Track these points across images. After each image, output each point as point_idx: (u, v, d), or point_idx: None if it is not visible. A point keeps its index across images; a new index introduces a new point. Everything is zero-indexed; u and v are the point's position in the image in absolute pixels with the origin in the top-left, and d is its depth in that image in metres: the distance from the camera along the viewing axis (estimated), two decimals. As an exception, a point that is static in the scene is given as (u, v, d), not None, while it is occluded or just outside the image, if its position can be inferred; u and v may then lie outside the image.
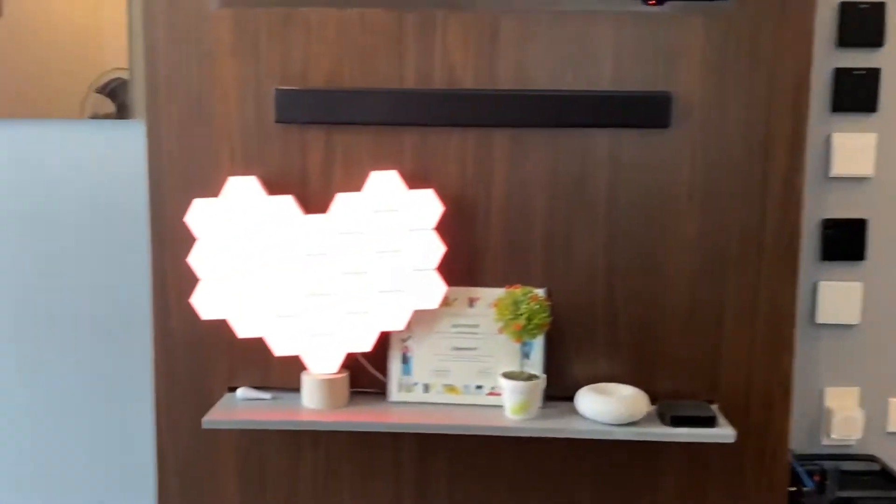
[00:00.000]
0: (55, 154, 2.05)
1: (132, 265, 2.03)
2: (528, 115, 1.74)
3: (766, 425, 1.78)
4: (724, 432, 1.65)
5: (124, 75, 2.01)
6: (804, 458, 1.93)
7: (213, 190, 1.75)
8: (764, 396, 1.78)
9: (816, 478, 1.87)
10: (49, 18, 2.00)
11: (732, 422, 1.69)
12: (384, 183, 1.72)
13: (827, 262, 1.98)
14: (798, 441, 2.00)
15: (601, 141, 1.74)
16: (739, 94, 1.71)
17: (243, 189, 1.72)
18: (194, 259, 1.73)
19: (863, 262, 1.97)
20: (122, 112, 2.02)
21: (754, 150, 1.73)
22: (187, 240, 1.74)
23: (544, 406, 1.72)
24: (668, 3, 1.71)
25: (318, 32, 1.73)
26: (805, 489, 1.85)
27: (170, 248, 1.78)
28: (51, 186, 2.05)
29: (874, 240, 1.97)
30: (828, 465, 1.89)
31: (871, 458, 2.01)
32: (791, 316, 1.76)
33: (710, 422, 1.66)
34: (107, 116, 2.02)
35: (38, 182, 2.05)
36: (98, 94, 2.02)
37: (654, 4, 1.71)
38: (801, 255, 1.78)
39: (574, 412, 1.70)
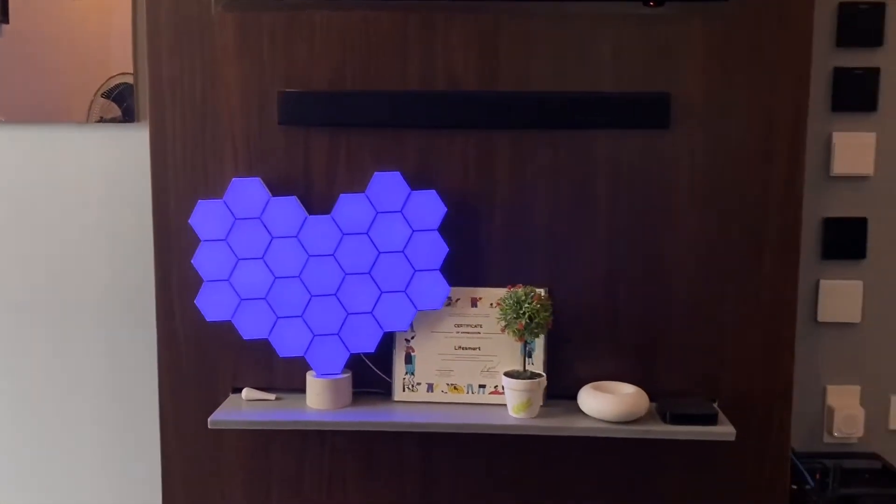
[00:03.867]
0: (61, 157, 2.06)
1: (137, 267, 2.05)
2: (530, 116, 1.75)
3: (768, 423, 1.79)
4: (724, 430, 1.66)
5: (130, 80, 2.03)
6: (806, 457, 1.94)
7: (217, 191, 1.76)
8: (765, 395, 1.79)
9: (818, 476, 1.88)
10: (55, 24, 2.02)
11: (734, 420, 1.70)
12: (387, 184, 1.73)
13: (828, 261, 1.99)
14: (800, 439, 2.00)
15: (602, 142, 1.75)
16: (739, 94, 1.72)
17: (247, 190, 1.74)
18: (198, 261, 1.74)
19: (863, 261, 1.99)
20: (128, 115, 2.03)
21: (755, 150, 1.74)
22: (191, 241, 1.76)
23: (547, 404, 1.73)
24: (668, 3, 1.72)
25: (321, 35, 1.74)
26: (807, 487, 1.86)
27: (174, 249, 1.80)
28: (57, 189, 2.07)
29: (874, 238, 1.98)
30: (829, 463, 1.90)
31: (872, 456, 2.01)
32: (792, 314, 1.77)
33: (710, 419, 1.67)
34: (113, 120, 2.04)
35: (45, 185, 2.07)
36: (104, 99, 2.04)
37: (653, 6, 1.72)
38: (803, 253, 1.79)
39: (576, 410, 1.71)
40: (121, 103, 2.03)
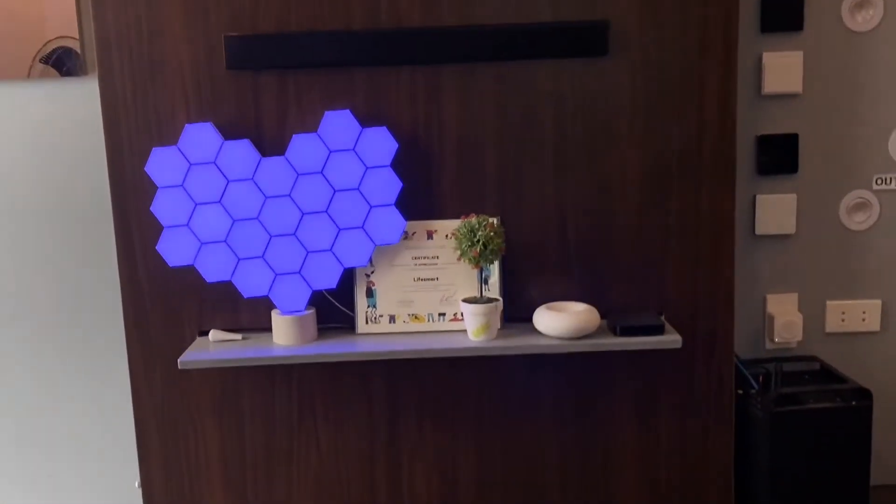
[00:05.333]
0: (5, 114, 2.05)
1: (93, 217, 2.06)
2: (474, 50, 1.79)
3: (712, 332, 1.89)
4: (671, 339, 1.76)
5: (68, 43, 2.02)
6: (749, 363, 2.06)
7: (170, 138, 1.79)
8: (709, 306, 1.88)
9: (761, 380, 2.00)
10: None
11: (680, 331, 1.80)
12: (338, 122, 1.77)
13: (763, 177, 2.09)
14: (743, 346, 2.12)
15: (545, 72, 1.81)
16: (673, 19, 1.79)
17: (200, 136, 1.76)
18: (157, 207, 1.77)
19: (796, 175, 2.09)
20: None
21: (689, 73, 1.81)
22: (148, 189, 1.78)
23: (504, 327, 1.81)
24: (602, -67, 1.76)
25: (263, -23, 1.76)
26: (751, 391, 1.98)
27: (131, 198, 1.82)
28: (4, 146, 2.07)
29: (805, 152, 2.08)
30: (771, 367, 2.02)
31: (811, 359, 2.14)
32: (730, 229, 1.86)
33: (657, 330, 1.77)
34: (57, 78, 2.03)
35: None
36: (43, 65, 2.02)
37: (587, -65, 1.76)
38: (739, 170, 1.88)
39: (532, 330, 1.79)
40: (60, 68, 2.02)
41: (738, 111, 1.83)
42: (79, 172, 2.06)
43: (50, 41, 2.01)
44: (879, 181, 2.10)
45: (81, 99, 2.03)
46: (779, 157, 2.07)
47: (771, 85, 2.04)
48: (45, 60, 2.01)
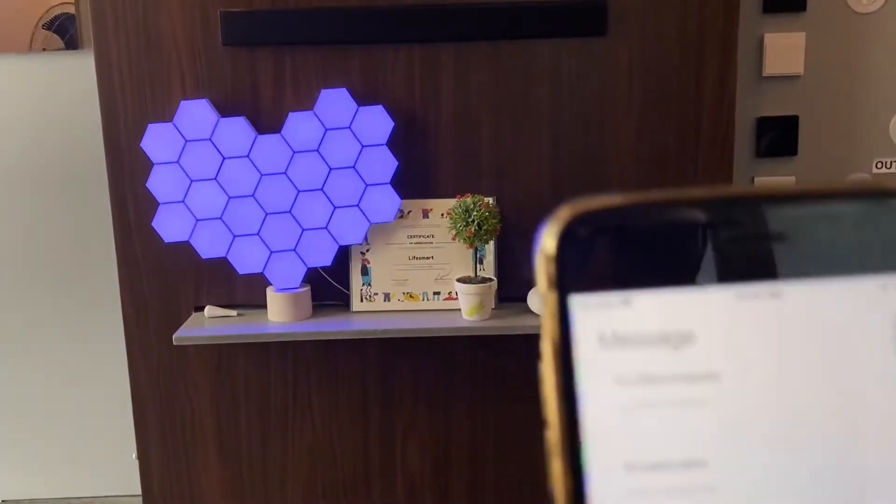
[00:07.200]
0: (4, 88, 2.05)
1: (90, 195, 2.07)
2: (471, 28, 1.78)
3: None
4: (666, 321, 1.76)
5: (70, 9, 2.01)
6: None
7: (166, 115, 1.78)
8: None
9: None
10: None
11: (675, 312, 1.80)
12: (335, 101, 1.76)
13: (762, 159, 2.08)
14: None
15: (542, 51, 1.79)
16: (673, -2, 1.77)
17: (196, 112, 1.76)
18: (153, 184, 1.77)
19: (795, 157, 2.08)
20: (71, 46, 2.02)
21: (688, 53, 1.79)
22: (144, 165, 1.78)
23: (498, 307, 1.82)
24: (603, -90, 1.74)
25: (259, -47, 1.74)
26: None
27: (127, 174, 1.82)
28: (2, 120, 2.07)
29: (805, 135, 2.06)
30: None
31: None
32: (728, 211, 1.86)
33: (653, 312, 1.77)
34: (56, 52, 2.03)
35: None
36: (46, 31, 2.01)
37: (588, -88, 1.74)
38: (738, 152, 1.87)
39: (526, 311, 1.79)
40: (63, 34, 2.01)
41: (738, 92, 1.82)
42: (78, 147, 2.06)
43: (52, 7, 2.00)
44: (880, 165, 2.09)
45: (79, 72, 2.02)
46: (778, 139, 2.06)
47: (772, 66, 2.02)
48: (48, 27, 2.00)
